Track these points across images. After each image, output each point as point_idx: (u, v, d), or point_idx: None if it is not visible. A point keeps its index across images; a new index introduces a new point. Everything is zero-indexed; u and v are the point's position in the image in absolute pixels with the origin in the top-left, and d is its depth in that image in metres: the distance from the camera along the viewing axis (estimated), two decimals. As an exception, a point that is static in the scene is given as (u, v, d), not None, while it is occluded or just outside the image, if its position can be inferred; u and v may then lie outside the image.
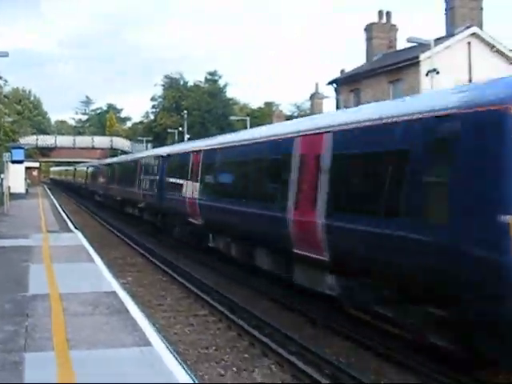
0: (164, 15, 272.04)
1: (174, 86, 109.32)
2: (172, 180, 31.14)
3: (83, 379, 8.37)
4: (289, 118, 71.30)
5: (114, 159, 62.59)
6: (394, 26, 51.54)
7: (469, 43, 40.99)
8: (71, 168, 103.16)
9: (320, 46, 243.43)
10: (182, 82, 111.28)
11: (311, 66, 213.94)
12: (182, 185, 28.28)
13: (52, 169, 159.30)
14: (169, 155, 33.39)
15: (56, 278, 16.13)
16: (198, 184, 25.94)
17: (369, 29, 50.85)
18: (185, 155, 29.22)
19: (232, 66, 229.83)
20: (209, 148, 25.89)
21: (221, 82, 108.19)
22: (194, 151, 27.79)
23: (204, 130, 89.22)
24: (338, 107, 49.69)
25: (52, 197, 72.02)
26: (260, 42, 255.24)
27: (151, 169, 37.11)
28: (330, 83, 52.44)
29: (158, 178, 34.30)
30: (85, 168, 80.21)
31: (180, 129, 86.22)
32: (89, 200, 70.00)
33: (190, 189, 26.81)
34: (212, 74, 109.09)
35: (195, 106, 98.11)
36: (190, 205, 26.54)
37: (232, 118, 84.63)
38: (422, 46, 37.19)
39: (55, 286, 15.03)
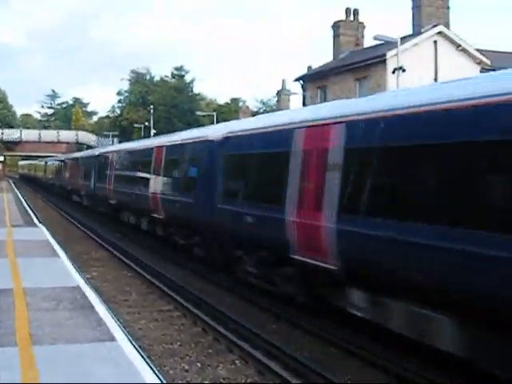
0: (132, 10, 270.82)
1: (140, 81, 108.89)
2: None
3: (46, 375, 8.32)
4: (255, 113, 71.36)
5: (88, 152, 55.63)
6: (362, 23, 51.76)
7: (435, 42, 41.28)
8: (41, 162, 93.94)
9: (287, 43, 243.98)
10: (148, 77, 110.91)
11: (278, 63, 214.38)
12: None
13: (20, 163, 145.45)
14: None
15: (20, 273, 16.01)
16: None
17: (336, 26, 50.99)
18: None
19: (199, 62, 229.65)
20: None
21: (187, 78, 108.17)
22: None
23: (170, 125, 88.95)
24: (304, 104, 49.79)
25: (17, 191, 71.11)
26: (227, 37, 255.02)
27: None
28: (297, 80, 52.54)
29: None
30: (55, 162, 73.43)
31: (146, 123, 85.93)
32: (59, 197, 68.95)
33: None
34: (179, 69, 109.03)
35: (161, 100, 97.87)
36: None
37: (198, 113, 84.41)
38: (389, 44, 37.36)
39: (19, 281, 14.91)
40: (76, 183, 52.82)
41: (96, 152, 46.48)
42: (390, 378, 11.39)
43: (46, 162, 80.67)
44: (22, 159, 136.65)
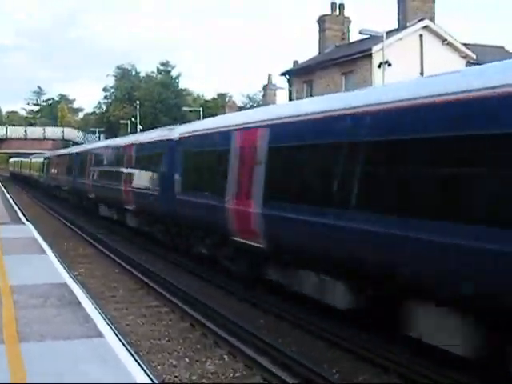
0: (117, 6, 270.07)
1: (126, 77, 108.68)
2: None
3: (34, 372, 8.31)
4: (241, 108, 71.27)
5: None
6: (347, 18, 51.73)
7: (421, 36, 41.35)
8: (38, 159, 76.72)
9: (273, 37, 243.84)
10: (134, 73, 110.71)
11: (265, 58, 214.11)
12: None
13: (12, 160, 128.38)
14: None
15: (6, 270, 15.93)
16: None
17: (322, 20, 50.94)
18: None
19: (185, 57, 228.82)
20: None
21: (173, 73, 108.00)
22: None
23: (157, 120, 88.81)
24: (290, 98, 49.83)
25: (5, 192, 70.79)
26: (213, 32, 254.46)
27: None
28: (283, 74, 52.54)
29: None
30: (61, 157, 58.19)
31: (133, 119, 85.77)
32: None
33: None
34: (164, 64, 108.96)
35: (148, 96, 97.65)
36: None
37: (185, 108, 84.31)
38: (375, 39, 37.43)
39: (5, 278, 14.84)
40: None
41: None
42: (377, 370, 11.47)
43: (48, 158, 66.42)
44: (10, 157, 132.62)
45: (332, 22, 50.79)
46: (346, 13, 51.78)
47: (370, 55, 40.27)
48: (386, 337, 12.28)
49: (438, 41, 41.75)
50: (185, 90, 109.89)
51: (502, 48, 49.46)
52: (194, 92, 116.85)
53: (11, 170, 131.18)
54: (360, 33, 35.23)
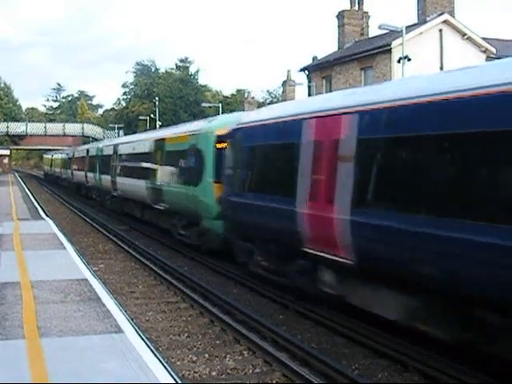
0: (137, 2, 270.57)
1: (145, 73, 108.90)
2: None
3: (54, 367, 8.34)
4: (261, 104, 71.23)
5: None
6: (366, 12, 51.60)
7: (440, 30, 41.14)
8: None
9: (292, 33, 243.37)
10: (153, 69, 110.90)
11: (284, 53, 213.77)
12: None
13: (46, 156, 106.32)
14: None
15: (27, 266, 16.04)
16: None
17: (341, 16, 50.81)
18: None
19: (204, 53, 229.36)
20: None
21: (192, 69, 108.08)
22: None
23: (176, 116, 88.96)
24: (309, 94, 49.73)
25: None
26: (231, 28, 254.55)
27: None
28: (302, 70, 52.46)
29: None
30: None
31: (152, 116, 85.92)
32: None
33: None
34: (183, 60, 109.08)
35: (167, 92, 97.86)
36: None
37: (204, 104, 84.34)
38: (394, 34, 37.29)
39: (26, 274, 14.94)
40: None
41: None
42: (396, 366, 11.42)
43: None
44: (44, 153, 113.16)
45: (351, 17, 50.64)
46: (365, 8, 51.73)
47: (390, 50, 40.12)
48: (403, 334, 12.20)
49: (457, 35, 41.52)
50: (204, 86, 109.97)
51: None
52: (213, 88, 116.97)
53: (47, 171, 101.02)
54: (379, 28, 35.04)
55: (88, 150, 52.82)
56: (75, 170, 59.84)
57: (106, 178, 41.32)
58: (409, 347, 11.87)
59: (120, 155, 38.24)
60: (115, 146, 40.28)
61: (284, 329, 13.66)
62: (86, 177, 51.73)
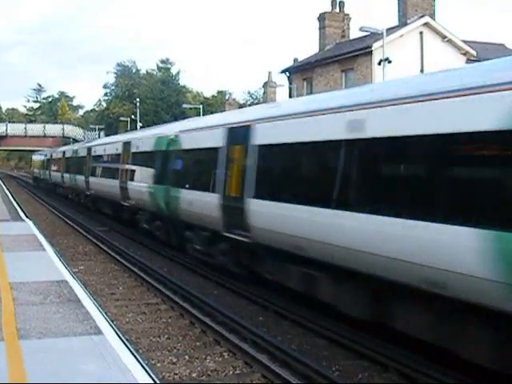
0: (117, 2, 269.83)
1: (126, 74, 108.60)
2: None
3: (33, 368, 8.30)
4: (242, 105, 71.27)
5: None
6: (347, 15, 51.69)
7: (421, 33, 41.32)
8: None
9: (274, 34, 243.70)
10: (134, 70, 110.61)
11: (265, 55, 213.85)
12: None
13: (35, 157, 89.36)
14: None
15: (6, 267, 15.94)
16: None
17: (322, 18, 50.88)
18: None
19: (185, 54, 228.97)
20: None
21: (173, 70, 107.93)
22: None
23: (157, 118, 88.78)
24: (291, 96, 49.80)
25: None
26: (212, 29, 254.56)
27: None
28: (283, 72, 52.54)
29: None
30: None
31: (133, 117, 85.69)
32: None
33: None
34: (164, 61, 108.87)
35: (148, 93, 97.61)
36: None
37: (185, 106, 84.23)
38: (375, 36, 37.41)
39: (5, 275, 14.85)
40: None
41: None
42: (376, 367, 11.47)
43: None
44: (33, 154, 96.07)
45: (332, 19, 50.72)
46: (346, 10, 51.81)
47: (371, 52, 40.25)
48: (384, 334, 12.26)
49: (438, 38, 41.72)
50: (184, 87, 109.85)
51: (503, 45, 49.49)
52: (194, 89, 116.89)
53: (37, 174, 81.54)
54: (360, 30, 35.20)
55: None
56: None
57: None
58: (389, 348, 11.94)
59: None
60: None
61: (264, 330, 13.67)
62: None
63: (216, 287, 18.50)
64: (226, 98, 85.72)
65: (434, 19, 42.00)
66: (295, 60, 54.28)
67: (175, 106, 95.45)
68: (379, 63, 35.86)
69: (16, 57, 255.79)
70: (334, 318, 13.78)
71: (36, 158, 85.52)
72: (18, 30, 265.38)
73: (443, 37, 41.84)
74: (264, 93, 66.75)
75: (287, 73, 52.15)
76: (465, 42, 42.89)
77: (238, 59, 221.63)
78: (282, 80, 71.97)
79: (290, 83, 51.45)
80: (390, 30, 38.57)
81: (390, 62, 34.87)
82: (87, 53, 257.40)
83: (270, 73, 64.46)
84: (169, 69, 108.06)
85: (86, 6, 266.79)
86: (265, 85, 65.22)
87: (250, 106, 67.85)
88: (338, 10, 51.29)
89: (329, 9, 51.20)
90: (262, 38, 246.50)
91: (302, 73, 49.51)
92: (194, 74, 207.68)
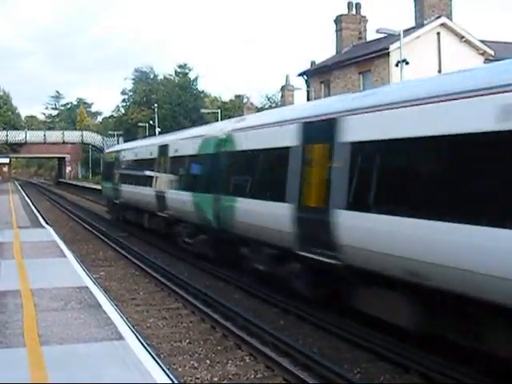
0: (135, 8, 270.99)
1: (144, 80, 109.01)
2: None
3: (55, 375, 8.33)
4: (260, 109, 71.25)
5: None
6: (364, 17, 51.67)
7: (438, 33, 41.21)
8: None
9: (291, 37, 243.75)
10: (152, 76, 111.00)
11: (283, 58, 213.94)
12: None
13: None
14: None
15: (27, 274, 16.01)
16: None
17: (338, 20, 50.89)
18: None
19: (203, 58, 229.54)
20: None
21: (191, 75, 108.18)
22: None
23: (176, 123, 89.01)
24: (309, 99, 49.78)
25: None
26: (230, 33, 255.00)
27: None
28: (301, 75, 52.53)
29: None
30: None
31: (151, 122, 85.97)
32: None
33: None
34: (182, 66, 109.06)
35: (166, 99, 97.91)
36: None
37: (203, 110, 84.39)
38: (392, 37, 37.31)
39: (26, 282, 14.92)
40: None
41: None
42: (397, 369, 11.43)
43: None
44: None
45: (349, 22, 50.70)
46: (363, 12, 51.80)
47: (388, 54, 40.17)
48: (403, 336, 12.20)
49: (455, 38, 41.60)
50: (202, 92, 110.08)
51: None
52: (212, 94, 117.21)
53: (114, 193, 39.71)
54: (377, 32, 35.11)
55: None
56: None
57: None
58: (410, 350, 11.88)
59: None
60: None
61: (285, 333, 13.64)
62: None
63: (236, 291, 18.49)
64: (244, 101, 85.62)
65: (451, 19, 41.85)
66: (312, 63, 54.27)
67: (193, 111, 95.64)
68: (397, 64, 35.79)
69: (32, 64, 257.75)
70: (354, 321, 13.75)
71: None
72: (35, 38, 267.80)
73: (461, 37, 41.70)
74: (282, 96, 66.76)
75: (305, 76, 52.13)
76: (482, 41, 42.69)
77: (256, 63, 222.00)
78: (301, 83, 71.89)
79: (308, 86, 51.43)
80: (407, 32, 38.55)
81: (407, 63, 34.78)
82: (105, 59, 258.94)
83: (287, 76, 64.56)
84: (187, 74, 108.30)
85: (102, 12, 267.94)
86: (282, 88, 65.24)
87: (268, 109, 67.86)
88: (354, 12, 51.25)
89: (345, 11, 51.16)
90: (280, 41, 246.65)
91: (320, 76, 49.50)
92: (212, 79, 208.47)
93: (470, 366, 10.66)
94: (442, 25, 41.28)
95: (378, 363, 11.85)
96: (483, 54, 41.87)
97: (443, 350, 11.25)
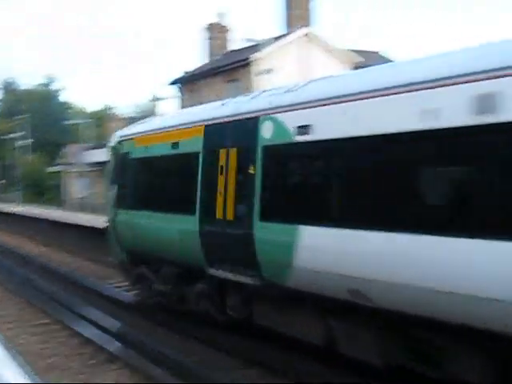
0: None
1: (9, 91, 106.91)
2: None
3: None
4: (133, 119, 70.58)
5: None
6: (232, 27, 52.13)
7: (302, 43, 42.03)
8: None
9: (163, 47, 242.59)
10: (15, 87, 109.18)
11: (154, 67, 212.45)
12: None
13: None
14: None
15: None
16: None
17: (209, 29, 51.18)
18: None
19: (69, 70, 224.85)
20: None
21: (54, 87, 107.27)
22: None
23: (41, 134, 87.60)
24: (182, 107, 49.72)
25: None
26: (96, 47, 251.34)
27: None
28: (172, 83, 52.46)
29: None
30: None
31: (24, 133, 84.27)
32: None
33: None
34: (46, 78, 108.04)
35: (30, 110, 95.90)
36: None
37: (66, 122, 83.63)
38: (258, 47, 37.85)
39: None
40: None
41: None
42: (273, 373, 11.58)
43: None
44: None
45: (218, 31, 50.97)
46: (232, 22, 52.19)
47: (250, 63, 40.73)
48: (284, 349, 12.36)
49: (318, 47, 42.53)
50: (65, 103, 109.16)
51: (377, 53, 51.25)
52: (78, 105, 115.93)
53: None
54: (243, 41, 35.60)
55: None
56: None
57: None
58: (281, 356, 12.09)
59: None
60: None
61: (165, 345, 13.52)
62: None
63: (106, 302, 18.35)
64: (112, 113, 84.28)
65: (316, 29, 42.85)
66: (186, 72, 54.29)
67: (59, 123, 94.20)
68: (258, 74, 36.41)
69: None
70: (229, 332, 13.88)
71: None
72: None
73: (324, 46, 42.70)
74: (154, 105, 66.33)
75: (177, 84, 52.07)
76: (346, 50, 43.97)
77: (127, 72, 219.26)
78: (174, 91, 71.82)
79: (182, 94, 51.38)
80: (276, 40, 39.20)
81: (269, 72, 35.37)
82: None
83: (159, 85, 64.44)
84: (48, 85, 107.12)
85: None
86: (154, 97, 64.93)
87: (139, 119, 67.30)
88: (223, 21, 51.55)
89: (215, 20, 51.45)
90: (151, 51, 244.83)
91: (190, 84, 49.54)
92: (79, 91, 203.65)
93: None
94: (307, 34, 42.18)
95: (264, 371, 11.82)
96: (346, 62, 42.99)
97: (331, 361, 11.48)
